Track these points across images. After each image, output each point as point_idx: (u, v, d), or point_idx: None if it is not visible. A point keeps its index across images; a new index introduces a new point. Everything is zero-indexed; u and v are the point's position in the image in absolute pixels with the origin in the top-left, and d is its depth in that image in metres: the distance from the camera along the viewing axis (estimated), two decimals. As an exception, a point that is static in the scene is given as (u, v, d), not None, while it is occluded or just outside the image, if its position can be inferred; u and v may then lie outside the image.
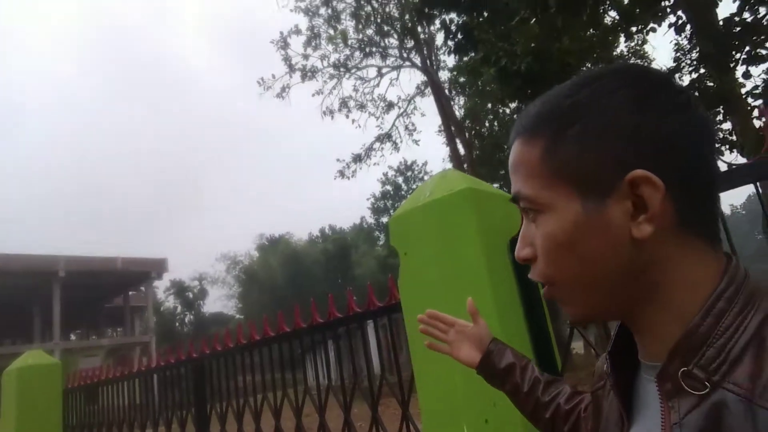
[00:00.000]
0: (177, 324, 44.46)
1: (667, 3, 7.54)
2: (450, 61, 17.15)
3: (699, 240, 0.52)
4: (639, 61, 11.10)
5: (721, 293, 0.49)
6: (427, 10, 9.48)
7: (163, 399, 3.33)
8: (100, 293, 27.05)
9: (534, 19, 7.17)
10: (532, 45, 7.03)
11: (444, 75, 19.17)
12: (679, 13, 7.53)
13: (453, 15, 9.48)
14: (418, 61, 19.24)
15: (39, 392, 4.01)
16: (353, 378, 2.19)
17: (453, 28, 9.63)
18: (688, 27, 7.47)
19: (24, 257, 22.30)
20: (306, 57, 20.02)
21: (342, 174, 20.77)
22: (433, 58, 18.89)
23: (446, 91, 18.67)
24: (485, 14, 8.52)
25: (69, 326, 27.93)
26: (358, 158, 20.86)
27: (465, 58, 9.94)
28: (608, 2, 7.72)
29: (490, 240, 1.48)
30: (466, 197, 1.50)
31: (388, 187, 37.13)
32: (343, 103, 20.67)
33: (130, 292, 28.54)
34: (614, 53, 10.74)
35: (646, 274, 0.52)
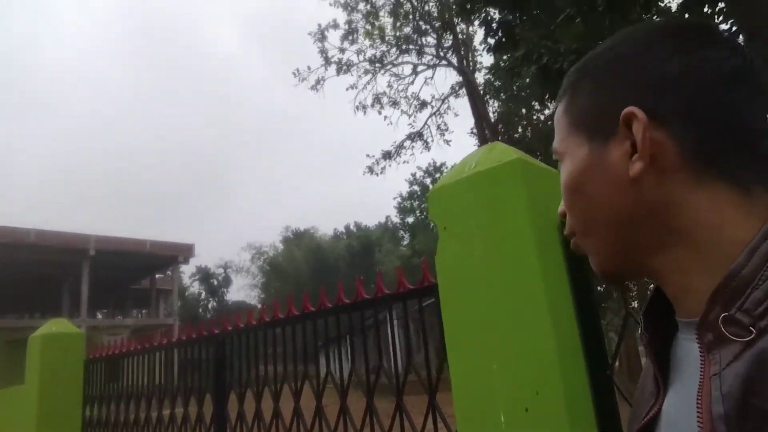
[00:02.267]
0: (200, 310, 45.16)
1: (720, 5, 7.25)
2: (487, 61, 16.94)
3: (723, 183, 0.49)
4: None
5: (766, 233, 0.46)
6: (468, 5, 9.32)
7: (182, 375, 3.30)
8: (128, 274, 27.59)
9: (579, 18, 6.97)
10: (576, 45, 6.83)
11: (480, 77, 18.94)
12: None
13: (494, 12, 9.31)
14: (454, 60, 19.05)
15: (61, 360, 4.04)
16: (378, 365, 2.09)
17: (494, 26, 9.46)
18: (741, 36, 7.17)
19: (57, 234, 22.88)
20: (342, 51, 20.02)
21: (371, 170, 20.71)
22: (470, 58, 18.69)
23: (481, 93, 18.44)
24: (528, 12, 8.34)
25: (96, 304, 28.60)
26: (387, 155, 20.75)
27: (504, 57, 9.75)
28: (659, 4, 7.45)
29: (541, 216, 1.36)
30: (516, 169, 1.38)
31: (416, 188, 36.98)
32: (377, 99, 20.62)
33: (157, 275, 29.06)
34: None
35: (655, 218, 0.51)
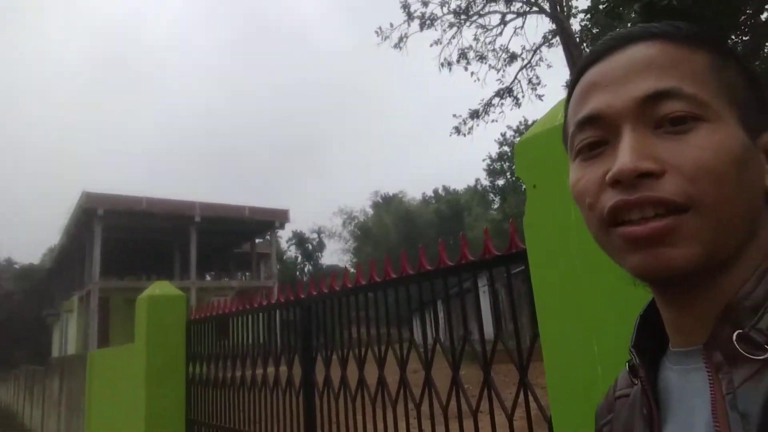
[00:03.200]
0: (297, 273, 47.39)
1: None
2: (583, 4, 15.68)
3: None
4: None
5: None
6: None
7: (273, 338, 3.36)
8: (230, 239, 29.40)
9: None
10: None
11: (575, 23, 17.56)
12: None
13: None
14: (546, 6, 17.76)
15: (165, 320, 4.30)
16: (463, 335, 1.95)
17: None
18: None
19: (167, 202, 24.74)
20: (425, 3, 19.29)
21: (458, 131, 20.06)
22: (564, 2, 17.34)
23: (577, 41, 17.15)
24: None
25: (204, 267, 30.82)
26: (475, 114, 19.92)
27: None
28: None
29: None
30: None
31: (506, 148, 35.74)
32: (462, 55, 19.71)
33: (257, 240, 30.71)
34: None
35: (756, 238, 0.48)
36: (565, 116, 0.58)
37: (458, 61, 19.83)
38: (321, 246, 48.72)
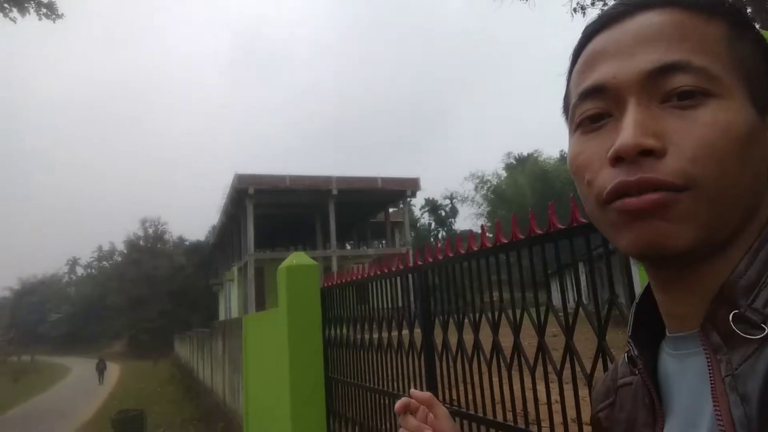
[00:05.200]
0: (432, 239, 48.07)
1: None
2: None
3: None
4: None
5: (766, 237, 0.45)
6: None
7: (395, 303, 3.52)
8: (366, 209, 30.65)
9: None
10: None
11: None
12: None
13: None
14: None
15: (302, 287, 4.69)
16: (610, 298, 1.84)
17: None
18: None
19: (307, 178, 26.42)
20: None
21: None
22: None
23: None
24: None
25: (343, 237, 32.59)
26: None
27: None
28: None
29: None
30: None
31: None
32: (597, -5, 18.12)
33: (390, 209, 31.64)
34: None
35: (757, 218, 0.46)
36: (567, 83, 0.55)
37: (593, 4, 18.23)
38: (454, 212, 48.72)
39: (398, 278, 3.41)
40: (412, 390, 0.81)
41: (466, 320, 2.64)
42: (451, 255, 2.79)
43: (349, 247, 35.39)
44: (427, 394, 0.79)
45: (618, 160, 0.45)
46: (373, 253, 27.76)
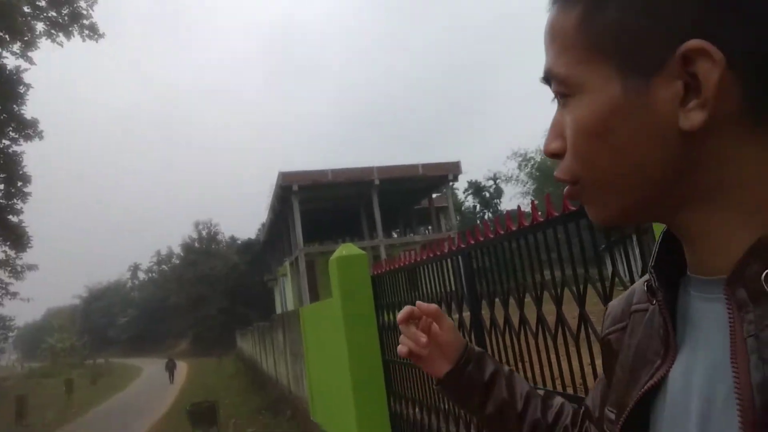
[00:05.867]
0: (478, 221, 47.69)
1: None
2: None
3: None
4: None
5: None
6: None
7: (442, 286, 3.67)
8: (409, 196, 30.77)
9: None
10: None
11: None
12: None
13: None
14: None
15: (353, 276, 4.91)
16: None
17: None
18: None
19: (348, 170, 26.76)
20: None
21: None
22: None
23: None
24: None
25: (389, 225, 32.84)
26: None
27: None
28: None
29: None
30: None
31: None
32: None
33: (434, 195, 31.65)
34: None
35: (699, 172, 0.43)
36: None
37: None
38: (498, 192, 48.15)
39: (445, 261, 3.57)
40: (419, 302, 0.82)
41: (511, 299, 2.78)
42: (492, 236, 2.92)
43: (395, 236, 35.61)
44: (433, 306, 0.80)
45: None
46: (420, 239, 27.86)
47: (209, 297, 44.21)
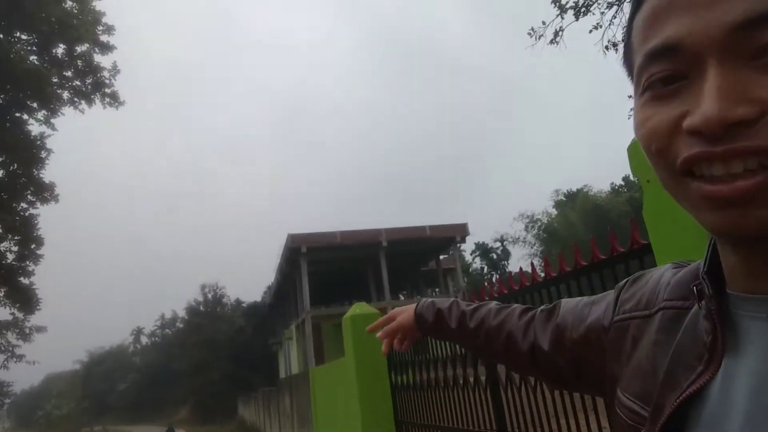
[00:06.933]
0: (485, 284, 47.27)
1: None
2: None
3: None
4: None
5: None
6: None
7: (454, 345, 3.70)
8: (416, 258, 30.75)
9: None
10: None
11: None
12: None
13: None
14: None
15: (367, 336, 4.92)
16: None
17: None
18: None
19: (357, 232, 26.96)
20: (577, -8, 18.38)
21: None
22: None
23: None
24: None
25: (396, 287, 32.65)
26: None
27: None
28: None
29: None
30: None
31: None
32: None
33: (441, 257, 31.62)
34: None
35: None
36: (628, 34, 0.49)
37: (624, 41, 18.37)
38: (506, 254, 48.03)
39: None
40: (371, 327, 1.24)
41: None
42: (505, 292, 3.00)
43: (402, 297, 35.31)
44: (381, 319, 1.15)
45: (697, 133, 0.39)
46: (427, 301, 27.49)
47: (212, 362, 43.35)
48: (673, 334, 0.52)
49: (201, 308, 51.26)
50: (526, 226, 44.42)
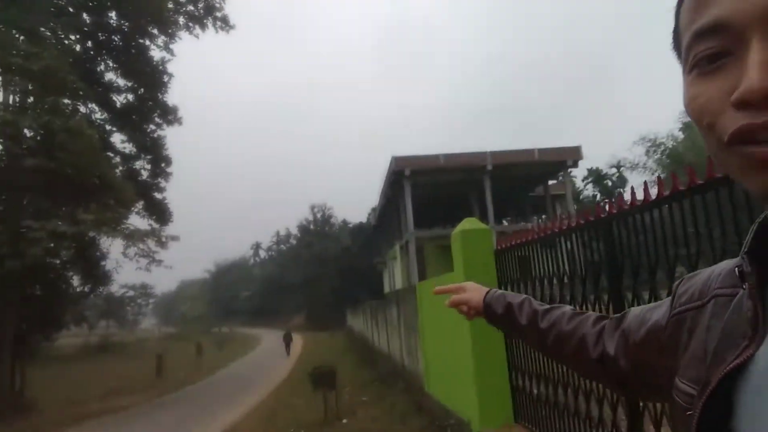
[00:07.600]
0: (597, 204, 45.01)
1: None
2: None
3: None
4: None
5: None
6: None
7: (575, 259, 3.54)
8: (523, 183, 29.85)
9: None
10: None
11: None
12: None
13: None
14: None
15: (476, 250, 4.89)
16: None
17: None
18: None
19: (461, 155, 26.51)
20: None
21: None
22: None
23: None
24: None
25: (500, 213, 32.14)
26: None
27: None
28: None
29: None
30: None
31: None
32: None
33: (550, 182, 30.41)
34: None
35: None
36: (677, 18, 0.51)
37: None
38: (622, 181, 45.01)
39: (585, 232, 3.43)
40: (437, 288, 1.20)
41: (659, 271, 2.62)
42: (630, 206, 2.76)
43: (505, 223, 34.83)
44: (452, 286, 1.13)
45: (743, 104, 0.41)
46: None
47: (322, 276, 46.39)
48: (722, 317, 0.55)
49: (311, 227, 54.34)
50: (648, 151, 40.95)
